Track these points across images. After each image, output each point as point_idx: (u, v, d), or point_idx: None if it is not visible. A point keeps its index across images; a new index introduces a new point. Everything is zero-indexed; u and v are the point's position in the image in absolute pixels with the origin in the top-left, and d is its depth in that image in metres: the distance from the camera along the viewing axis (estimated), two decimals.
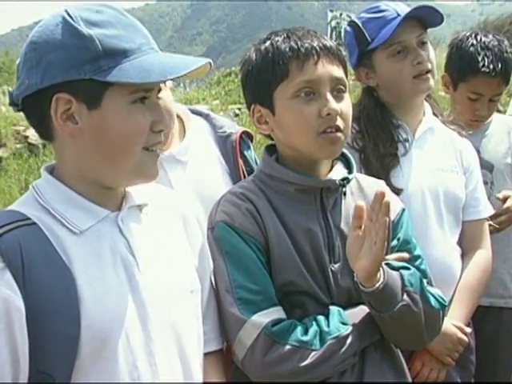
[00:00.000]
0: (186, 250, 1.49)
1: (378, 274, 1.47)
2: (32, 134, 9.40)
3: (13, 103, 1.34)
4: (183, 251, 1.48)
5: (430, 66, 2.10)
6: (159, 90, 1.37)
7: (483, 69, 2.43)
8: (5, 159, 9.08)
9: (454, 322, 2.03)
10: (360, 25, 2.16)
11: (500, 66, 2.44)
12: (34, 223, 1.25)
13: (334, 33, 12.12)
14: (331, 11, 13.02)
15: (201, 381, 1.43)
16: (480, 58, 2.43)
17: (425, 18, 2.10)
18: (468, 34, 2.51)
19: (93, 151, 1.29)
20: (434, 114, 2.25)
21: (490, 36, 2.50)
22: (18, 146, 9.33)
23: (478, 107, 2.51)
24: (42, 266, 1.21)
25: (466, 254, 2.18)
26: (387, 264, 1.54)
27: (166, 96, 1.79)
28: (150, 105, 1.31)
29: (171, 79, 1.31)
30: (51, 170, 1.37)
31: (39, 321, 1.19)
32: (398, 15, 2.08)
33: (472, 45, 2.47)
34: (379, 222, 1.42)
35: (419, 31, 2.09)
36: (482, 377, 2.30)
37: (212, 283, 1.57)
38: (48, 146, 9.20)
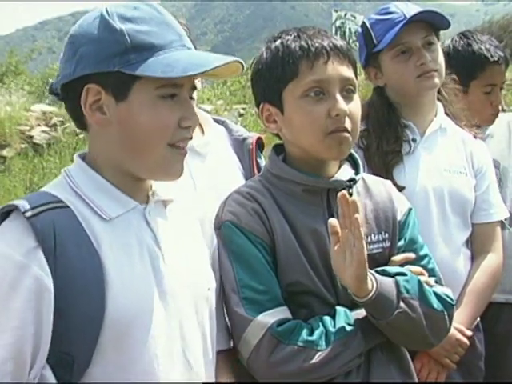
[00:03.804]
0: (203, 249, 1.52)
1: (370, 284, 1.46)
2: (37, 134, 9.41)
3: (52, 92, 1.40)
4: (201, 250, 1.50)
5: (434, 67, 2.10)
6: (194, 88, 1.39)
7: (492, 59, 2.49)
8: (9, 159, 9.08)
9: (455, 324, 2.01)
10: (368, 26, 2.19)
11: (501, 52, 2.54)
12: (67, 206, 1.28)
13: (338, 33, 12.09)
14: (336, 11, 13.00)
15: (213, 378, 1.44)
16: (485, 51, 2.49)
17: (432, 21, 2.12)
18: (457, 39, 2.57)
19: (119, 142, 1.32)
20: (447, 113, 2.25)
21: (477, 33, 2.58)
22: (23, 145, 9.34)
23: (493, 99, 2.55)
24: (73, 248, 1.23)
25: (475, 257, 2.17)
26: (383, 271, 1.54)
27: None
28: (179, 101, 1.33)
29: (193, 75, 1.31)
30: (83, 158, 1.40)
31: (66, 301, 1.21)
32: (405, 18, 2.09)
33: (469, 44, 2.52)
34: (352, 222, 1.41)
35: (426, 33, 2.11)
36: (491, 374, 2.28)
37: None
38: (52, 145, 9.23)
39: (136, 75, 1.28)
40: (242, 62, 1.35)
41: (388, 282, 1.50)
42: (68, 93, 1.34)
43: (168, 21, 1.34)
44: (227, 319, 1.58)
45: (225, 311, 1.58)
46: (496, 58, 2.50)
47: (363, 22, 2.24)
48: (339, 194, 1.43)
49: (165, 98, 1.31)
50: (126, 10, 1.32)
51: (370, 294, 1.46)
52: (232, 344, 1.60)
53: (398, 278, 1.52)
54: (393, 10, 2.14)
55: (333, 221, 1.44)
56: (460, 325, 2.03)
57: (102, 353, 1.23)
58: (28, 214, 1.22)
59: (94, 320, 1.22)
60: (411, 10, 2.12)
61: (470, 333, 2.07)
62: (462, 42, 2.53)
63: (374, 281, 1.48)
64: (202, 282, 1.44)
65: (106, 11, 1.32)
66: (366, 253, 1.43)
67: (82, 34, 1.32)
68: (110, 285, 1.24)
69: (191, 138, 1.38)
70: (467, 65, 2.48)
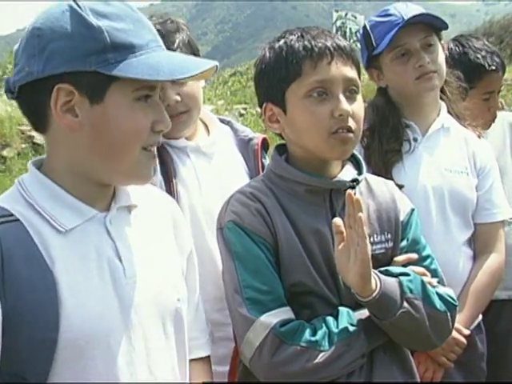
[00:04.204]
0: (174, 255, 1.44)
1: (374, 284, 1.46)
2: (37, 135, 9.40)
3: (8, 90, 1.28)
4: (171, 257, 1.43)
5: (433, 68, 2.11)
6: (162, 89, 1.37)
7: (489, 68, 2.50)
8: (10, 159, 9.08)
9: None
10: (368, 28, 2.20)
11: (498, 58, 2.55)
12: (17, 220, 1.20)
13: (339, 33, 12.12)
14: (336, 11, 13.02)
15: None
16: (481, 60, 2.50)
17: (430, 23, 2.12)
18: (452, 46, 2.56)
19: (90, 146, 1.25)
20: (450, 112, 2.25)
21: (473, 39, 2.58)
22: (23, 145, 9.33)
23: (492, 104, 2.57)
24: (23, 266, 1.15)
25: (477, 256, 2.18)
26: (386, 271, 1.53)
27: (196, 86, 1.87)
28: (152, 104, 1.28)
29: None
30: (39, 166, 1.32)
31: (16, 322, 1.14)
32: (403, 20, 2.09)
33: (465, 53, 2.53)
34: (356, 221, 1.41)
35: (424, 34, 2.12)
36: (493, 374, 2.28)
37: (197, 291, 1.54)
38: None
39: (112, 76, 1.20)
40: (218, 65, 1.32)
41: (391, 281, 1.50)
42: (32, 92, 1.24)
43: (142, 19, 1.28)
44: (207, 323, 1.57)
45: (205, 316, 1.56)
46: (494, 67, 2.51)
47: (364, 24, 2.26)
48: (347, 192, 1.43)
49: (140, 101, 1.25)
50: (98, 6, 1.23)
51: (374, 294, 1.46)
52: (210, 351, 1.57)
53: (402, 278, 1.52)
54: (392, 13, 2.15)
55: (337, 220, 1.44)
56: (458, 324, 2.02)
57: (57, 374, 1.17)
58: None
59: (48, 341, 1.15)
60: (410, 11, 2.12)
61: (467, 332, 2.07)
62: (457, 50, 2.53)
63: (378, 280, 1.48)
64: (169, 292, 1.36)
65: (77, 5, 1.22)
66: (370, 252, 1.43)
67: (51, 27, 1.21)
68: (63, 303, 1.17)
69: (159, 143, 1.33)
70: (464, 74, 2.46)
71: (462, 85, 2.36)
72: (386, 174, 2.01)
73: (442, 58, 2.16)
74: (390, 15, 2.15)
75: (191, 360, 1.46)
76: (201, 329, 1.53)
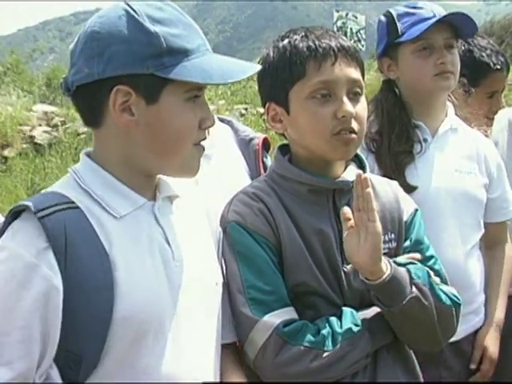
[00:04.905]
0: (211, 244, 1.52)
1: (384, 267, 1.46)
2: (38, 134, 9.42)
3: (65, 88, 1.37)
4: (209, 245, 1.51)
5: (452, 69, 2.10)
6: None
7: (494, 67, 2.51)
8: (11, 159, 9.10)
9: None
10: (395, 16, 2.18)
11: (502, 58, 2.55)
12: (78, 207, 1.28)
13: (339, 33, 12.11)
14: (337, 11, 13.00)
15: (218, 375, 1.45)
16: (486, 59, 2.50)
17: (458, 26, 2.12)
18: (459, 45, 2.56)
19: (145, 144, 1.33)
20: (456, 114, 2.25)
21: (478, 37, 2.57)
22: (24, 145, 9.35)
23: (494, 103, 2.57)
24: (83, 249, 1.24)
25: (491, 248, 2.29)
26: (393, 262, 1.52)
27: None
28: (199, 103, 1.36)
29: (231, 82, 1.39)
30: (89, 156, 1.40)
31: (75, 301, 1.22)
32: (434, 16, 2.09)
33: (470, 51, 2.52)
34: (365, 197, 1.42)
35: (450, 34, 2.11)
36: (493, 374, 2.28)
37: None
38: (54, 146, 9.23)
39: (167, 78, 1.28)
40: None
41: (400, 268, 1.50)
42: (90, 91, 1.32)
43: (192, 24, 1.37)
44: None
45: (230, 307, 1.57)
46: (498, 66, 2.52)
47: (388, 12, 2.22)
48: (357, 172, 1.45)
49: (189, 101, 1.33)
50: (153, 11, 1.32)
51: (384, 276, 1.45)
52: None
53: (409, 266, 1.52)
54: (421, 6, 2.15)
55: (345, 208, 1.46)
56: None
57: (111, 353, 1.24)
58: (39, 214, 1.23)
59: (103, 320, 1.22)
60: (438, 9, 2.13)
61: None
62: (463, 48, 2.52)
63: (388, 264, 1.47)
64: (210, 276, 1.46)
65: (133, 10, 1.31)
66: (380, 233, 1.44)
67: (109, 32, 1.30)
68: (119, 284, 1.25)
69: (206, 138, 1.41)
70: (469, 72, 2.46)
71: (465, 90, 2.36)
72: (399, 175, 2.00)
73: (458, 62, 2.15)
74: (420, 8, 2.14)
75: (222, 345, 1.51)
76: (227, 316, 1.55)
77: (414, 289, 1.48)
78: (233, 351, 1.55)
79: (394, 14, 2.19)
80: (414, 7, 2.16)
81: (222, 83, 1.36)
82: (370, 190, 1.41)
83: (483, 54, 2.51)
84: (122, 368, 1.26)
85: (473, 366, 2.16)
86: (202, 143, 1.40)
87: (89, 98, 1.34)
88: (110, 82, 1.28)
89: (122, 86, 1.28)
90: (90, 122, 1.38)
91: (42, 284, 1.20)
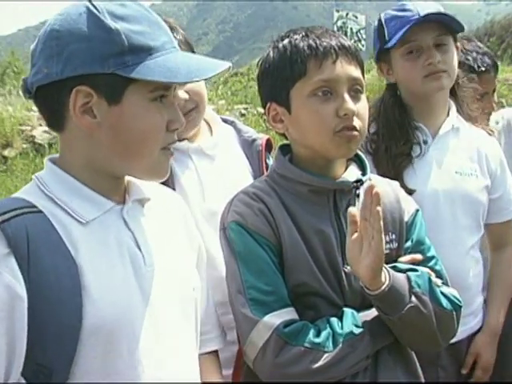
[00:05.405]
0: (186, 248, 1.47)
1: (383, 277, 1.45)
2: (38, 134, 9.41)
3: (26, 90, 1.31)
4: (184, 249, 1.46)
5: (443, 67, 2.06)
6: (174, 89, 1.37)
7: (479, 69, 2.52)
8: (11, 159, 9.09)
9: None
10: (383, 21, 2.16)
11: (489, 59, 2.56)
12: (40, 211, 1.22)
13: (339, 33, 12.11)
14: (337, 11, 13.01)
15: (199, 379, 1.41)
16: (471, 62, 2.52)
17: (446, 22, 2.08)
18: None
19: (109, 146, 1.27)
20: (459, 112, 2.23)
21: (464, 41, 2.57)
22: (25, 145, 9.34)
23: (486, 104, 2.57)
24: (47, 255, 1.17)
25: (495, 250, 2.28)
26: (394, 267, 1.53)
27: (199, 83, 1.85)
28: (167, 103, 1.30)
29: (197, 81, 1.32)
30: (54, 162, 1.34)
31: (40, 310, 1.15)
32: (418, 16, 2.05)
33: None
34: (372, 214, 1.40)
35: (438, 32, 2.07)
36: (493, 373, 2.28)
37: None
38: (54, 145, 9.21)
39: (130, 78, 1.22)
40: (231, 66, 1.34)
41: (400, 276, 1.49)
42: (50, 93, 1.26)
43: (158, 20, 1.30)
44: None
45: (215, 309, 1.58)
46: (483, 69, 2.52)
47: (379, 16, 2.20)
48: (368, 184, 1.44)
49: (155, 101, 1.27)
50: (115, 7, 1.25)
51: (383, 287, 1.44)
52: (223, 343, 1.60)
53: (410, 273, 1.51)
54: (408, 8, 2.10)
55: (353, 210, 1.44)
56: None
57: (82, 363, 1.17)
58: None
59: (71, 329, 1.16)
60: (427, 8, 2.08)
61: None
62: None
63: (387, 274, 1.47)
64: (185, 281, 1.40)
65: (94, 6, 1.24)
66: (384, 246, 1.42)
67: (68, 29, 1.23)
68: (87, 291, 1.18)
69: (179, 140, 1.35)
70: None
71: (477, 88, 2.34)
72: (397, 179, 1.95)
73: (454, 59, 2.11)
74: (406, 10, 2.10)
75: (202, 354, 1.47)
76: (212, 323, 1.54)
77: (413, 298, 1.48)
78: (216, 359, 1.53)
79: (383, 18, 2.16)
80: (403, 9, 2.12)
81: (186, 82, 1.29)
82: (379, 208, 1.39)
83: (468, 57, 2.52)
84: (97, 379, 1.19)
85: (464, 371, 2.16)
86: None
87: (49, 100, 1.27)
88: (70, 82, 1.22)
89: (83, 86, 1.22)
90: (53, 126, 1.32)
91: (4, 293, 1.13)
